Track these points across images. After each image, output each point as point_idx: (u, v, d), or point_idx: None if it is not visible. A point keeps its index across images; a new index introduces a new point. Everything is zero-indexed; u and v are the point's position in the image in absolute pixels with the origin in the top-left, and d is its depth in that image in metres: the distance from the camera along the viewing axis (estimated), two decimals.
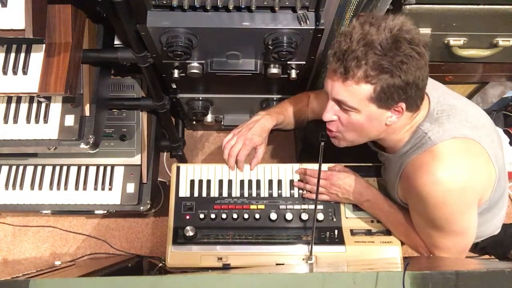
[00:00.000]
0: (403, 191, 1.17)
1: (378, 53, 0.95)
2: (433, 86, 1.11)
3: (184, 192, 1.32)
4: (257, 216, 1.28)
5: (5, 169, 1.69)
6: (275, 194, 1.32)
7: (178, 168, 1.35)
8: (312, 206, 1.29)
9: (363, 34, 0.96)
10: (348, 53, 0.96)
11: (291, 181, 1.33)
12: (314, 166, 1.32)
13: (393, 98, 0.99)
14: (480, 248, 1.67)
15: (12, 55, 1.23)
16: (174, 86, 1.61)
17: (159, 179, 1.95)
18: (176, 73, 1.43)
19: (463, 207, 1.06)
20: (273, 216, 1.27)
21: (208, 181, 1.34)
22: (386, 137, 1.12)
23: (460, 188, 1.02)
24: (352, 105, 1.02)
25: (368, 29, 0.96)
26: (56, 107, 1.36)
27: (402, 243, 1.25)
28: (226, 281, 0.76)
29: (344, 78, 0.99)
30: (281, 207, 1.30)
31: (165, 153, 2.13)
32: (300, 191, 1.32)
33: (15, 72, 1.21)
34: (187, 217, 1.29)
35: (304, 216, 1.27)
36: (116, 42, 1.41)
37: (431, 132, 1.05)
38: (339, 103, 1.05)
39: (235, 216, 1.28)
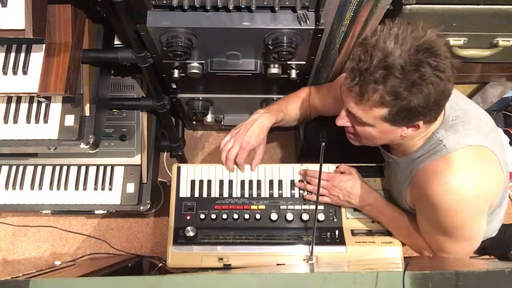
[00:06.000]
0: (412, 196, 1.14)
1: (398, 76, 0.89)
2: None
3: (185, 192, 1.32)
4: (257, 216, 1.28)
5: (5, 169, 1.69)
6: (275, 195, 1.32)
7: (178, 168, 1.36)
8: (312, 207, 1.29)
9: (384, 54, 0.90)
10: (366, 75, 0.91)
11: (292, 182, 1.33)
12: (316, 167, 1.32)
13: (410, 119, 0.96)
14: (480, 248, 1.66)
15: (12, 55, 1.23)
16: (174, 86, 1.61)
17: (159, 179, 1.95)
18: (176, 73, 1.43)
19: (475, 215, 1.05)
20: (274, 216, 1.27)
21: (209, 181, 1.34)
22: (399, 142, 1.10)
23: (473, 197, 1.01)
24: (366, 121, 1.00)
25: (392, 49, 0.89)
26: (56, 107, 1.36)
27: (403, 244, 1.25)
28: (226, 281, 0.76)
29: (358, 100, 0.96)
30: (281, 207, 1.30)
31: (165, 153, 2.12)
32: (301, 192, 1.32)
33: (15, 72, 1.21)
34: (188, 217, 1.29)
35: (305, 217, 1.27)
36: (116, 42, 1.41)
37: (446, 140, 1.03)
38: (353, 115, 1.03)
39: (235, 216, 1.28)
